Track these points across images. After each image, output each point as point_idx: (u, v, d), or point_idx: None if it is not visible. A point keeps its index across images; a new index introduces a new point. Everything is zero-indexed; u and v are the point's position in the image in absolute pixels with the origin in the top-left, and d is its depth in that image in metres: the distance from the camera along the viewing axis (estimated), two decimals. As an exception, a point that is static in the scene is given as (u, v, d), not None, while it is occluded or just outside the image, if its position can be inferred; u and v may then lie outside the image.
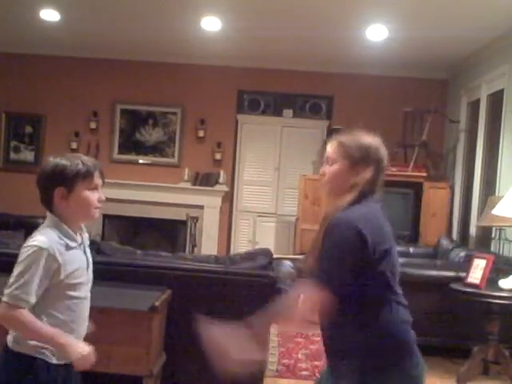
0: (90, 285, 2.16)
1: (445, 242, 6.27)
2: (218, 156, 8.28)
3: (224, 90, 8.27)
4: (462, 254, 5.43)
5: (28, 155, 8.49)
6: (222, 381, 1.95)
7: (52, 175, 2.04)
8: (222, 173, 8.19)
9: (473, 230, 6.76)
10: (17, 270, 1.97)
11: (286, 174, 8.33)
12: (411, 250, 6.38)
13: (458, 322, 4.85)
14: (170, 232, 8.41)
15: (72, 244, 2.05)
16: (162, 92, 8.26)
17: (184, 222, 8.07)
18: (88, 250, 2.17)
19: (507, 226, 5.21)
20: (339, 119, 7.92)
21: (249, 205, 8.42)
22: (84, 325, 2.14)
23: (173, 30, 6.78)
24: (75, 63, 8.25)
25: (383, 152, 2.06)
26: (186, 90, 8.27)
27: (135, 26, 6.77)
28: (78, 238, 2.11)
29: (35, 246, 1.97)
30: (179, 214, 8.12)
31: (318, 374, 4.17)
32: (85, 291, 2.12)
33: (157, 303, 3.32)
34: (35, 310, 1.98)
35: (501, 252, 5.62)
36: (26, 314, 1.94)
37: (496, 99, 6.42)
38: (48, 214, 2.07)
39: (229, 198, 8.36)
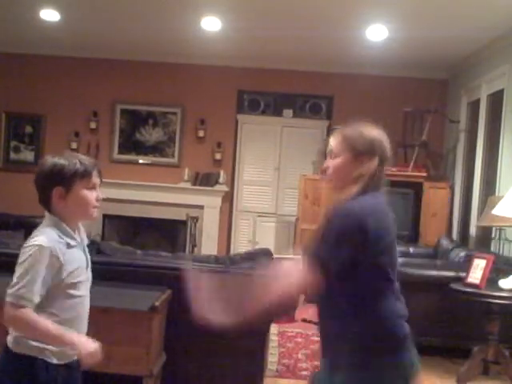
0: (89, 283, 2.16)
1: (445, 242, 6.27)
2: (217, 156, 8.28)
3: (224, 90, 8.27)
4: (462, 254, 5.43)
5: (28, 155, 8.49)
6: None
7: (50, 175, 2.03)
8: (222, 173, 8.19)
9: (473, 230, 6.76)
10: (19, 269, 1.96)
11: (286, 174, 8.33)
12: (411, 249, 6.38)
13: (457, 322, 4.85)
14: (170, 232, 8.41)
15: (72, 243, 2.05)
16: (161, 92, 8.26)
17: (184, 222, 8.07)
18: (87, 249, 2.17)
19: (507, 225, 5.21)
20: (339, 119, 7.91)
21: (249, 205, 8.42)
22: (84, 323, 2.14)
23: (173, 30, 6.78)
24: (75, 63, 8.25)
25: (387, 145, 2.05)
26: (186, 90, 8.27)
27: (135, 25, 6.77)
28: (77, 237, 2.11)
29: (37, 245, 1.96)
30: (179, 214, 8.12)
31: (317, 374, 4.17)
32: (85, 290, 2.12)
33: (157, 303, 3.31)
34: (36, 309, 1.97)
35: (501, 252, 5.62)
36: (30, 314, 1.93)
37: (496, 99, 6.42)
38: (46, 213, 2.07)
39: (229, 198, 8.36)
